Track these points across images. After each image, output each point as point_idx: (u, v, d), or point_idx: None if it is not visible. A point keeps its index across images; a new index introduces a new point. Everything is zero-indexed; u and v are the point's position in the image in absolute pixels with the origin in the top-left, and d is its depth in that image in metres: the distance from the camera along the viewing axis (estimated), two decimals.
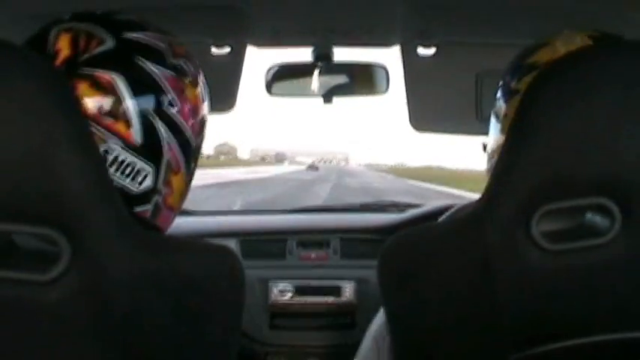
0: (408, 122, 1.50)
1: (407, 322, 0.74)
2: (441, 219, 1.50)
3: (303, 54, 1.52)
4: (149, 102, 0.69)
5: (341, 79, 1.56)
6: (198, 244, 0.70)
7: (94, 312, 0.58)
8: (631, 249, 0.63)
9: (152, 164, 0.71)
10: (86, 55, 0.67)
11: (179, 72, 0.72)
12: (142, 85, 0.69)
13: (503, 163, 0.65)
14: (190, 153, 0.76)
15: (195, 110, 0.75)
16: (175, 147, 0.72)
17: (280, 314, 1.77)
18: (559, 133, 0.61)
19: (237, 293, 0.69)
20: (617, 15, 1.02)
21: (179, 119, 0.72)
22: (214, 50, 1.39)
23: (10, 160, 0.53)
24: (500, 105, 0.84)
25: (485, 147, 0.90)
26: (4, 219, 0.56)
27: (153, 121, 0.69)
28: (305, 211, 2.29)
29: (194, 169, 0.80)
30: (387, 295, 0.77)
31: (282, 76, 1.57)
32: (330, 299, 1.76)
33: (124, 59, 0.68)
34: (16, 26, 0.98)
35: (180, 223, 2.01)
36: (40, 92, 0.55)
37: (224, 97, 1.50)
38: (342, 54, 1.49)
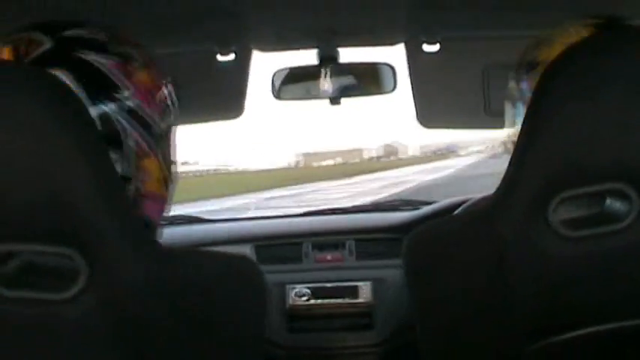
0: (415, 119, 1.50)
1: (433, 314, 0.75)
2: (456, 212, 1.49)
3: (308, 57, 1.52)
4: (98, 91, 0.68)
5: (348, 79, 1.56)
6: (217, 254, 0.70)
7: (112, 325, 0.58)
8: None
9: (116, 151, 0.69)
10: (27, 59, 0.67)
11: (124, 57, 0.71)
12: (87, 77, 0.68)
13: (519, 152, 0.65)
14: (156, 135, 0.74)
15: (150, 91, 0.73)
16: (135, 131, 0.71)
17: (298, 317, 1.77)
18: (573, 121, 0.61)
19: (259, 303, 0.69)
20: (620, 4, 1.02)
21: (132, 103, 0.71)
22: (220, 58, 1.40)
23: (23, 181, 0.54)
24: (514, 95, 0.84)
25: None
26: (20, 239, 0.56)
27: (105, 108, 0.68)
28: (318, 214, 2.29)
29: (169, 154, 0.78)
30: (413, 288, 0.77)
31: (289, 80, 1.57)
32: (348, 300, 1.76)
33: (63, 55, 0.68)
34: None
35: (195, 231, 2.04)
36: (51, 109, 0.55)
37: (232, 104, 1.50)
38: (347, 55, 1.50)
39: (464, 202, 1.75)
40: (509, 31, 1.30)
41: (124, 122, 0.70)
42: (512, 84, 0.86)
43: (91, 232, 0.56)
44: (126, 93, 0.70)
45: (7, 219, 0.55)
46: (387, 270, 1.75)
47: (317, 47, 1.45)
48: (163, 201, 0.77)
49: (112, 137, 0.69)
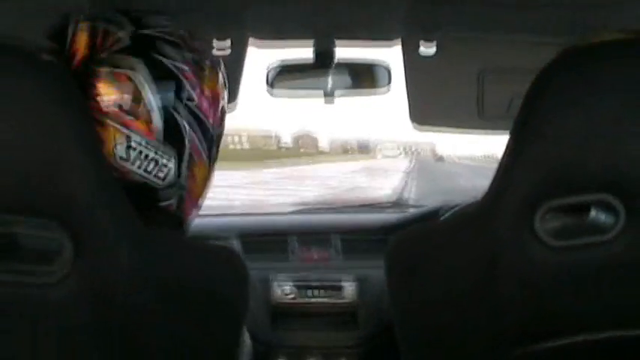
0: (409, 119, 1.49)
1: (413, 317, 0.75)
2: (443, 217, 1.50)
3: (304, 53, 1.51)
4: (169, 96, 0.69)
5: (342, 77, 1.56)
6: (201, 245, 0.70)
7: (97, 311, 0.58)
8: (635, 245, 0.63)
9: (174, 157, 0.71)
10: (104, 54, 0.68)
11: (197, 64, 0.73)
12: (160, 80, 0.69)
13: (508, 159, 0.65)
14: (212, 143, 0.76)
15: (214, 100, 0.75)
16: (196, 138, 0.73)
17: (282, 314, 1.77)
18: (563, 130, 0.61)
19: (242, 293, 0.69)
20: (619, 9, 1.02)
21: (199, 111, 0.72)
22: (216, 47, 1.39)
23: (12, 157, 0.54)
24: None
25: None
26: (6, 212, 0.56)
27: (173, 114, 0.70)
28: (306, 211, 2.29)
29: (216, 157, 0.80)
30: (394, 291, 0.77)
31: (284, 75, 1.56)
32: (332, 299, 1.76)
33: (141, 55, 0.69)
34: (24, 21, 0.98)
35: None
36: (45, 90, 0.55)
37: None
38: (343, 52, 1.49)
39: (452, 206, 1.76)
40: (507, 35, 1.30)
41: (187, 129, 0.71)
42: None
43: (78, 212, 0.56)
44: (195, 101, 0.72)
45: None
46: (373, 270, 1.75)
47: (313, 42, 1.45)
48: (203, 199, 0.80)
49: (173, 142, 0.71)
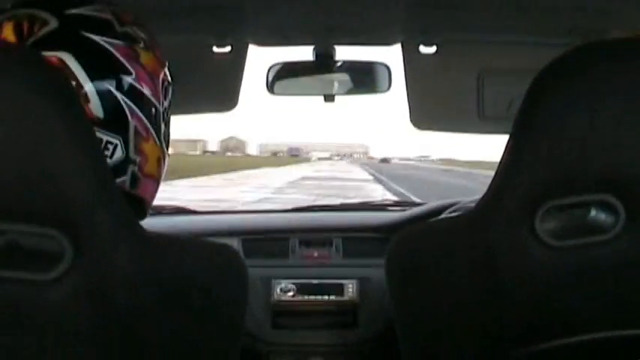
0: (409, 120, 1.50)
1: (413, 317, 0.75)
2: (442, 216, 1.50)
3: (304, 53, 1.52)
4: (104, 75, 0.68)
5: (342, 77, 1.56)
6: (200, 242, 0.70)
7: (96, 312, 0.58)
8: (634, 246, 0.63)
9: (118, 135, 0.70)
10: (31, 39, 0.66)
11: (129, 39, 0.71)
12: (93, 60, 0.67)
13: (508, 159, 0.66)
14: (158, 118, 0.75)
15: (153, 74, 0.73)
16: (139, 114, 0.71)
17: (283, 313, 1.77)
18: (563, 130, 0.61)
19: (240, 292, 0.69)
20: (617, 13, 1.02)
21: (138, 86, 0.71)
22: (216, 49, 1.40)
23: (11, 161, 0.53)
24: None
25: None
26: (6, 219, 0.56)
27: (110, 89, 0.68)
28: (307, 210, 2.29)
29: (167, 135, 0.79)
30: (394, 291, 0.77)
31: (284, 75, 1.57)
32: (333, 298, 1.76)
33: (70, 36, 0.67)
34: None
35: (182, 222, 2.03)
36: (42, 94, 0.55)
37: (226, 96, 1.50)
38: (343, 53, 1.50)
39: (452, 204, 1.76)
40: (507, 37, 1.31)
41: (129, 104, 0.70)
42: None
43: (77, 214, 0.56)
44: (131, 77, 0.70)
45: None
46: (373, 269, 1.76)
47: (313, 44, 1.45)
48: (158, 181, 0.78)
49: (117, 121, 0.69)
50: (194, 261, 0.65)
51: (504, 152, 0.67)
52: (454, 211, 1.72)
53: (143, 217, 0.78)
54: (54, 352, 0.58)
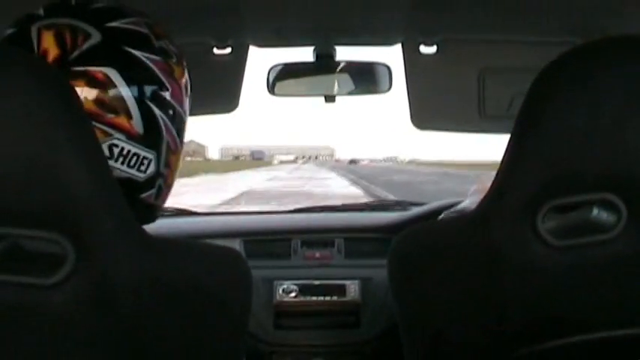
0: (410, 120, 1.50)
1: (415, 317, 0.75)
2: (443, 215, 1.50)
3: (304, 54, 1.52)
4: (144, 90, 0.69)
5: (343, 78, 1.56)
6: (204, 246, 0.70)
7: (99, 316, 0.58)
8: (637, 244, 0.63)
9: (154, 150, 0.71)
10: (76, 53, 0.66)
11: (165, 54, 0.72)
12: (134, 75, 0.68)
13: (510, 159, 0.66)
14: (184, 131, 0.77)
15: (184, 88, 0.76)
16: (172, 129, 0.73)
17: (285, 314, 1.77)
18: (564, 129, 0.61)
19: (245, 296, 0.69)
20: (617, 12, 1.02)
21: (172, 101, 0.72)
22: (216, 51, 1.40)
23: (14, 166, 0.53)
24: None
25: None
26: (9, 223, 0.56)
27: (150, 108, 0.70)
28: (308, 211, 2.29)
29: (183, 143, 0.80)
30: (397, 291, 0.77)
31: (284, 76, 1.57)
32: (335, 298, 1.76)
33: (113, 52, 0.68)
34: None
35: (184, 224, 2.03)
36: (43, 96, 0.55)
37: (227, 98, 1.50)
38: (344, 53, 1.50)
39: (453, 204, 1.76)
40: (507, 36, 1.31)
41: (163, 121, 0.71)
42: None
43: (80, 218, 0.56)
44: (168, 92, 0.72)
45: None
46: (375, 269, 1.76)
47: (314, 44, 1.45)
48: (170, 189, 0.80)
49: (154, 137, 0.71)
50: (198, 264, 0.65)
51: (506, 151, 0.67)
52: (455, 211, 1.72)
53: (153, 220, 0.79)
54: (57, 356, 0.58)
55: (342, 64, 1.52)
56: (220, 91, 1.50)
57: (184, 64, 0.77)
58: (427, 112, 1.49)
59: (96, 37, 0.67)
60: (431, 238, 0.74)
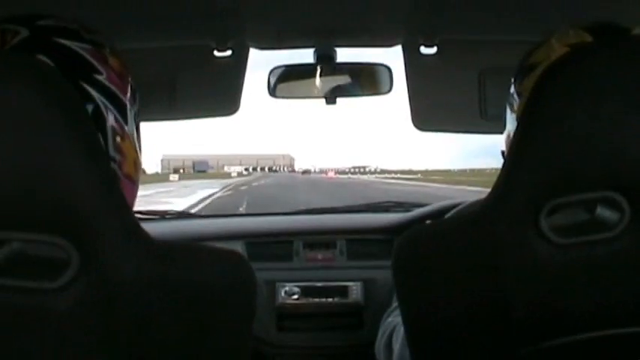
0: (411, 122, 1.50)
1: (420, 317, 0.75)
2: (448, 216, 1.50)
3: (305, 56, 1.52)
4: (78, 74, 0.70)
5: (344, 79, 1.56)
6: (207, 249, 0.69)
7: (103, 319, 0.58)
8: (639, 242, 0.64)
9: (97, 131, 0.70)
10: (5, 48, 0.68)
11: (97, 44, 0.74)
12: (66, 61, 0.69)
13: (512, 158, 0.66)
14: (130, 120, 0.77)
15: (121, 76, 0.76)
16: (115, 112, 0.73)
17: (288, 316, 1.77)
18: (567, 128, 0.61)
19: (249, 300, 0.69)
20: (618, 8, 1.02)
21: (110, 85, 0.73)
22: (217, 53, 1.40)
23: (18, 170, 0.53)
24: (514, 99, 0.85)
25: (504, 155, 0.90)
26: (12, 227, 0.56)
27: (86, 90, 0.70)
28: (310, 212, 2.29)
29: (139, 140, 0.81)
30: (401, 291, 0.77)
31: (285, 78, 1.57)
32: (337, 300, 1.76)
33: (42, 42, 0.69)
34: None
35: (186, 227, 2.03)
36: (46, 101, 0.55)
37: (228, 100, 1.50)
38: (344, 55, 1.50)
39: (455, 205, 1.76)
40: (508, 36, 1.31)
41: (104, 103, 0.72)
42: (512, 89, 0.87)
43: (83, 222, 0.56)
44: (103, 76, 0.73)
45: None
46: (378, 271, 1.76)
47: (314, 46, 1.45)
48: (136, 184, 0.79)
49: (95, 119, 0.71)
50: (201, 267, 0.65)
51: (508, 150, 0.68)
52: (458, 211, 1.72)
53: None
54: (63, 359, 0.58)
55: (342, 66, 1.52)
56: (221, 94, 1.50)
57: (121, 57, 0.78)
58: (428, 113, 1.49)
59: (24, 33, 0.69)
60: (434, 238, 0.74)
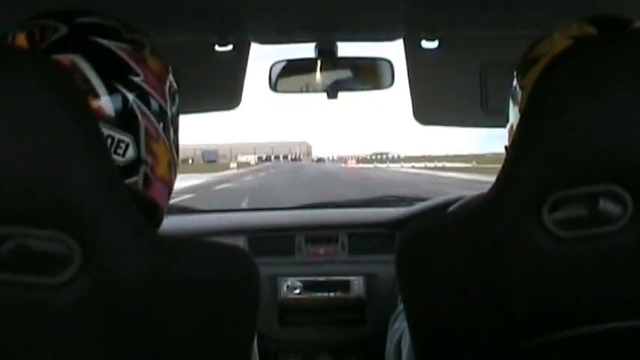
0: (412, 116, 1.49)
1: (423, 310, 0.75)
2: (450, 210, 1.50)
3: (306, 50, 1.52)
4: (113, 74, 0.70)
5: (345, 73, 1.56)
6: (211, 244, 0.70)
7: (106, 315, 0.58)
8: None
9: (130, 134, 0.71)
10: (43, 45, 0.68)
11: (136, 44, 0.73)
12: (102, 61, 0.69)
13: (515, 151, 0.66)
14: (167, 121, 0.77)
15: (160, 78, 0.76)
16: (149, 114, 0.73)
17: (290, 310, 1.77)
18: (570, 121, 0.61)
19: (253, 295, 0.69)
20: (619, 2, 1.02)
21: (146, 86, 0.73)
22: (218, 48, 1.40)
23: (22, 165, 0.54)
24: (517, 92, 0.85)
25: (507, 149, 0.89)
26: (16, 222, 0.56)
27: (121, 91, 0.70)
28: (312, 207, 2.29)
29: (176, 140, 0.80)
30: (404, 285, 0.77)
31: (287, 73, 1.57)
32: (340, 295, 1.76)
33: (80, 41, 0.69)
34: None
35: (188, 221, 2.03)
36: (50, 97, 0.55)
37: (229, 95, 1.50)
38: (345, 49, 1.49)
39: (458, 199, 1.76)
40: (509, 30, 1.30)
41: (139, 105, 0.72)
42: (514, 82, 0.86)
43: (87, 217, 0.56)
44: (140, 77, 0.72)
45: (1, 202, 0.54)
46: (380, 265, 1.76)
47: (315, 41, 1.45)
48: (170, 185, 0.79)
49: (128, 120, 0.71)
50: (205, 263, 0.65)
51: (511, 144, 0.67)
52: (460, 205, 1.72)
53: (158, 224, 0.79)
54: (64, 355, 0.59)
55: (343, 60, 1.52)
56: (222, 88, 1.51)
57: (161, 58, 0.77)
58: (429, 107, 1.49)
59: (63, 30, 0.69)
60: (437, 232, 0.74)
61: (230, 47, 1.40)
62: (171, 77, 0.79)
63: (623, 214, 0.63)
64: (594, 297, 0.66)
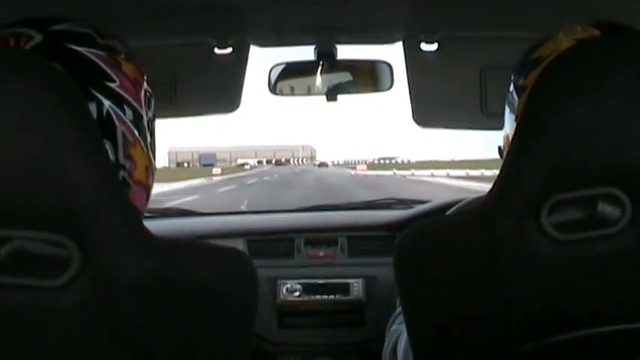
0: (412, 118, 1.49)
1: (422, 313, 0.75)
2: (449, 213, 1.50)
3: (305, 53, 1.52)
4: (88, 81, 0.70)
5: (345, 76, 1.56)
6: (209, 247, 0.70)
7: (105, 317, 0.58)
8: None
9: (107, 139, 0.70)
10: None
11: (111, 50, 0.73)
12: (77, 68, 0.69)
13: (514, 154, 0.66)
14: (143, 126, 0.76)
15: (136, 83, 0.76)
16: (125, 120, 0.73)
17: (289, 313, 1.77)
18: (568, 124, 0.61)
19: (251, 297, 0.69)
20: (620, 5, 1.02)
21: (121, 92, 0.73)
22: (217, 51, 1.40)
23: (19, 167, 0.54)
24: (514, 99, 0.84)
25: (500, 150, 0.89)
26: (14, 225, 0.56)
27: (97, 97, 0.70)
28: (312, 210, 2.29)
29: (153, 146, 0.80)
30: (403, 288, 0.77)
31: (286, 75, 1.57)
32: (339, 297, 1.76)
33: (54, 48, 0.69)
34: None
35: (187, 224, 2.04)
36: (48, 98, 0.55)
37: (229, 98, 1.50)
38: (345, 52, 1.49)
39: (456, 202, 1.76)
40: (509, 32, 1.31)
41: (115, 111, 0.71)
42: (511, 87, 0.86)
43: (85, 220, 0.56)
44: (115, 83, 0.72)
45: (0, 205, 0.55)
46: (379, 268, 1.76)
47: (315, 43, 1.45)
48: (147, 190, 0.79)
49: (105, 126, 0.70)
50: (204, 265, 0.65)
51: (509, 147, 0.67)
52: (459, 208, 1.72)
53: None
54: (63, 357, 0.59)
55: (343, 63, 1.52)
56: (222, 91, 1.51)
57: (136, 62, 0.77)
58: (429, 110, 1.49)
59: (38, 38, 0.69)
60: (436, 235, 0.74)
61: (229, 50, 1.40)
62: (146, 83, 0.79)
63: (622, 217, 0.63)
64: (593, 300, 0.66)
